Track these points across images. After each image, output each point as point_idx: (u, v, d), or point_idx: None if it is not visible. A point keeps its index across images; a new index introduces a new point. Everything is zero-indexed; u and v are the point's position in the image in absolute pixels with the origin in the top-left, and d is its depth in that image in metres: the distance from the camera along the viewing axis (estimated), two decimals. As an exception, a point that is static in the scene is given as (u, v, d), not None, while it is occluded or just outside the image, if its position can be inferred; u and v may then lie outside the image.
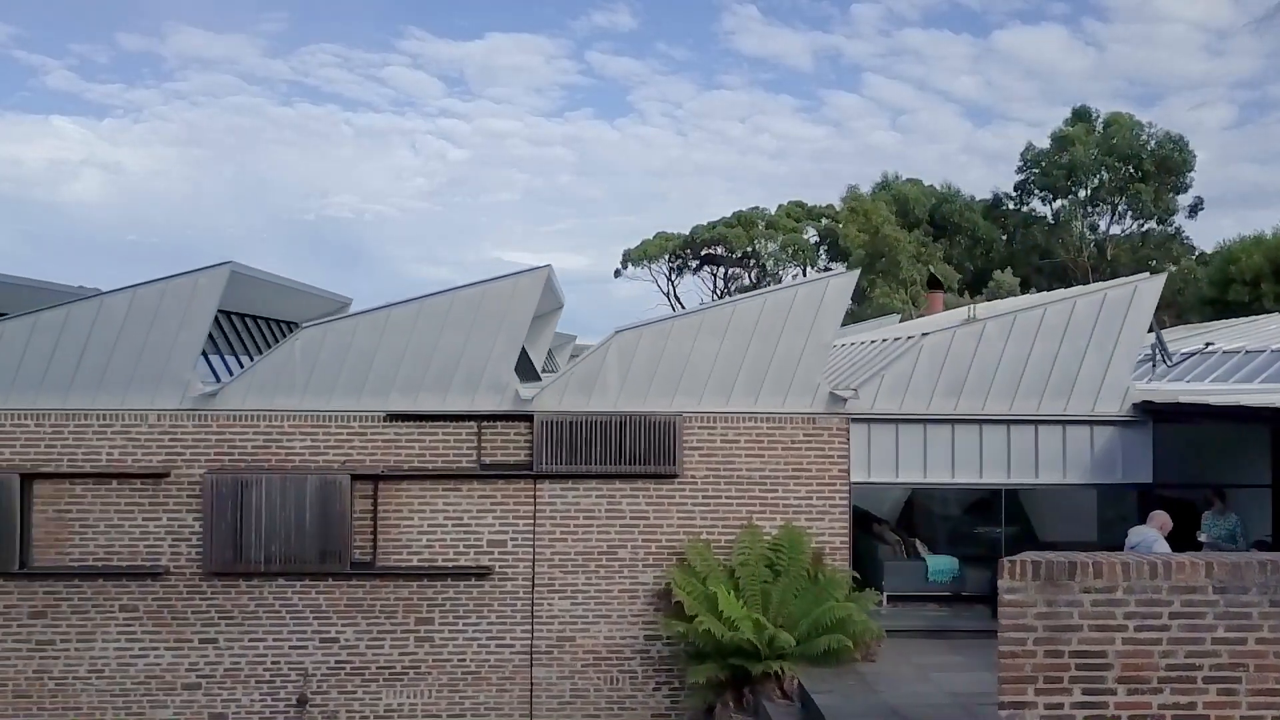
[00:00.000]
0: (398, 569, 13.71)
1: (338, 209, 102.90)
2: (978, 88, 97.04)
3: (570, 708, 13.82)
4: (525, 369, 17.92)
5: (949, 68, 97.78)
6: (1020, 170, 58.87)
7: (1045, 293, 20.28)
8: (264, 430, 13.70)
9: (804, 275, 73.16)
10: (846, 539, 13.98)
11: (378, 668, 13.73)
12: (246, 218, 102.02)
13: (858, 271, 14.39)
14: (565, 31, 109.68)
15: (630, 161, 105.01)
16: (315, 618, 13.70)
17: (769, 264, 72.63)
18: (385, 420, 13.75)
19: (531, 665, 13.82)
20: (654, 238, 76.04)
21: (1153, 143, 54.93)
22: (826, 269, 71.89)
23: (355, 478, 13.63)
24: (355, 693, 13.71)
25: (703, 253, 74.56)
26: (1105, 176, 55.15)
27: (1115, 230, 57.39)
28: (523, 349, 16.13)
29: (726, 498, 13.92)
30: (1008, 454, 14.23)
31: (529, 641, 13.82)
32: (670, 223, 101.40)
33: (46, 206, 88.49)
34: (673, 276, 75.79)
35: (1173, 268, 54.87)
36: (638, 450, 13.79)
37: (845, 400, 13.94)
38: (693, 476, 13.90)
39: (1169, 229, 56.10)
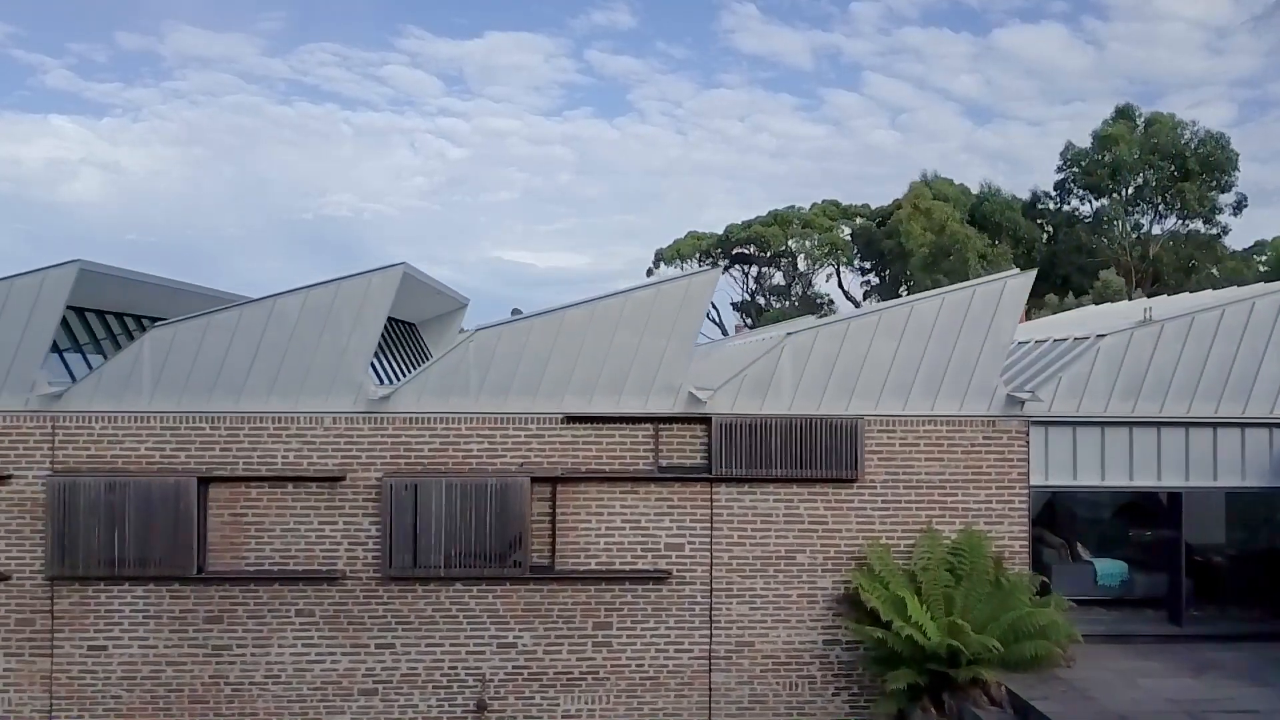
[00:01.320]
0: (575, 573, 13.56)
1: (336, 208, 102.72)
2: (977, 86, 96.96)
3: (749, 713, 13.69)
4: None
5: (949, 66, 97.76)
6: (1060, 170, 58.85)
7: (1217, 291, 20.05)
8: (440, 433, 13.56)
9: (838, 274, 73.39)
10: (1026, 543, 13.84)
11: (555, 673, 13.59)
12: (246, 217, 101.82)
13: (1034, 272, 14.21)
14: (564, 30, 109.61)
15: (630, 161, 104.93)
16: (492, 622, 13.55)
17: (800, 262, 72.69)
18: (563, 422, 13.59)
19: (710, 670, 13.68)
20: (685, 237, 76.00)
21: (1195, 141, 54.80)
22: (862, 268, 71.88)
23: (534, 480, 13.49)
24: (533, 699, 13.56)
25: (734, 251, 74.52)
26: (1149, 175, 55.02)
27: (1156, 230, 57.29)
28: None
29: (906, 502, 13.78)
30: (1185, 457, 14.10)
31: (707, 646, 13.68)
32: (671, 224, 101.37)
33: (45, 206, 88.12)
34: (704, 275, 75.61)
35: (1213, 269, 54.87)
36: (817, 454, 13.63)
37: (1023, 403, 13.80)
38: (872, 481, 13.76)
39: (1213, 229, 55.96)
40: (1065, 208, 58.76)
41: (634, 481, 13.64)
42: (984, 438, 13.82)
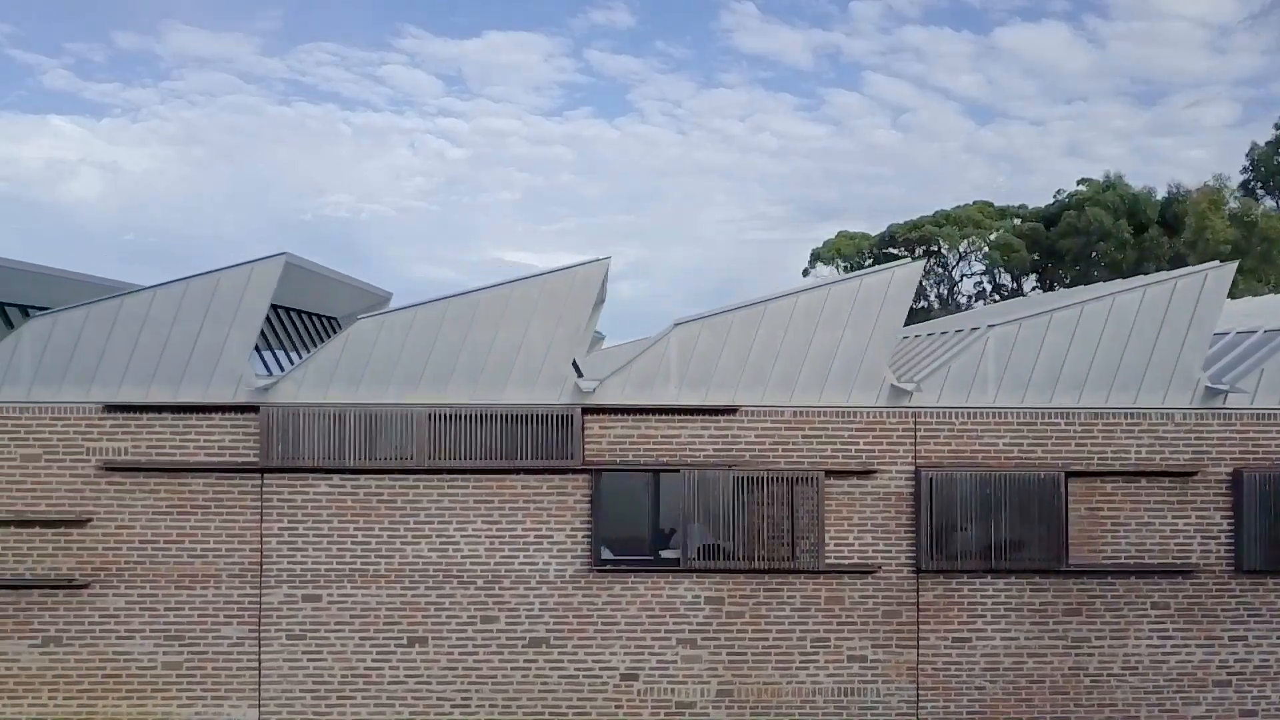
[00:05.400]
0: None
1: (334, 208, 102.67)
2: (979, 86, 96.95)
3: None
4: None
5: (949, 66, 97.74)
6: (1245, 170, 59.27)
7: None
8: None
9: (994, 275, 73.64)
10: None
11: (1398, 665, 13.80)
12: (245, 217, 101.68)
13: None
14: (564, 30, 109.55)
15: (630, 161, 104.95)
16: (1339, 615, 13.76)
17: (953, 262, 72.95)
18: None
19: None
20: (836, 236, 76.35)
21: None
22: (1012, 271, 72.13)
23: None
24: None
25: (881, 251, 74.79)
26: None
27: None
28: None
29: None
30: None
31: None
32: (672, 224, 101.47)
33: (44, 206, 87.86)
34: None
35: None
36: None
37: None
38: None
39: None
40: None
41: None
42: None
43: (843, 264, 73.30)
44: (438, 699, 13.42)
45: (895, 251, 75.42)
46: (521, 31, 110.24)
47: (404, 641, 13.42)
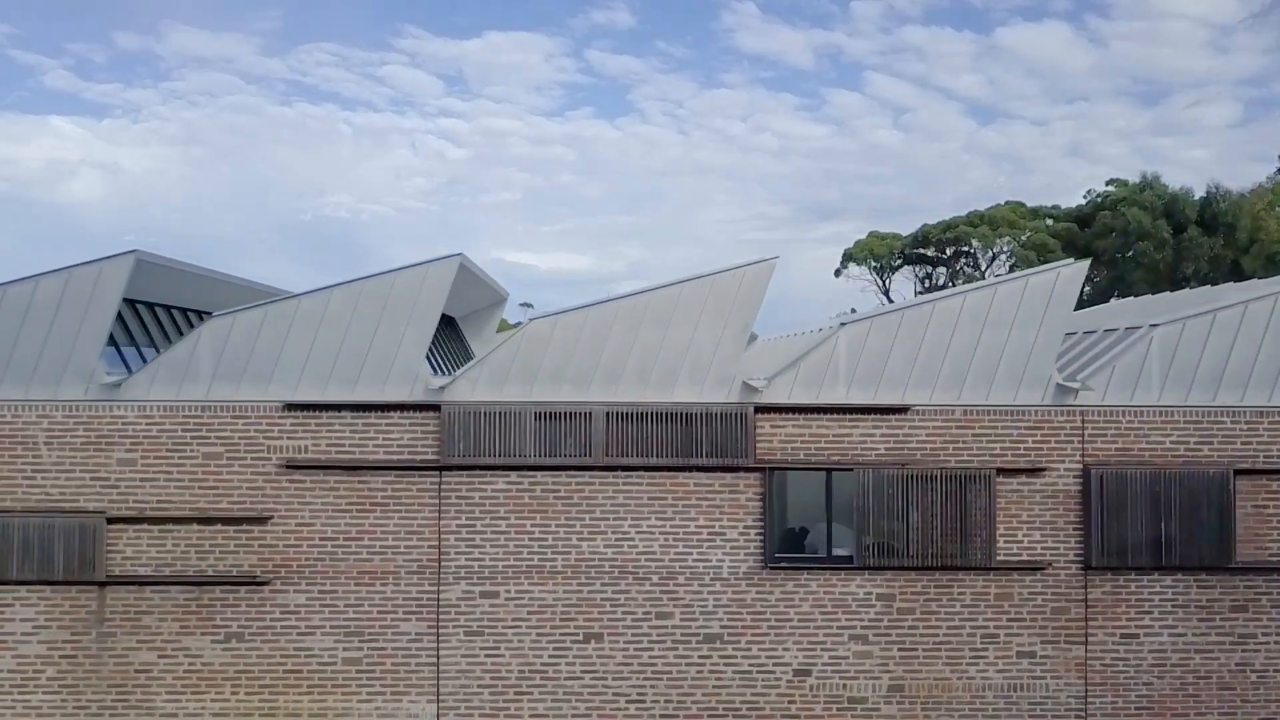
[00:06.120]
0: None
1: (335, 209, 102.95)
2: (980, 86, 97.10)
3: None
4: None
5: (951, 66, 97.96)
6: (1282, 171, 59.44)
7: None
8: None
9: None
10: None
11: None
12: (246, 217, 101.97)
13: None
14: (564, 30, 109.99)
15: (631, 161, 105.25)
16: None
17: (982, 262, 73.04)
18: None
19: None
20: (868, 236, 76.48)
21: None
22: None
23: None
24: None
25: (911, 251, 74.97)
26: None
27: None
28: None
29: None
30: None
31: None
32: (673, 224, 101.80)
33: (45, 206, 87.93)
34: (885, 277, 76.32)
35: None
36: None
37: None
38: None
39: None
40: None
41: None
42: None
43: (875, 264, 73.57)
44: (613, 694, 13.57)
45: (926, 253, 75.84)
46: (522, 31, 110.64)
47: (580, 637, 13.57)
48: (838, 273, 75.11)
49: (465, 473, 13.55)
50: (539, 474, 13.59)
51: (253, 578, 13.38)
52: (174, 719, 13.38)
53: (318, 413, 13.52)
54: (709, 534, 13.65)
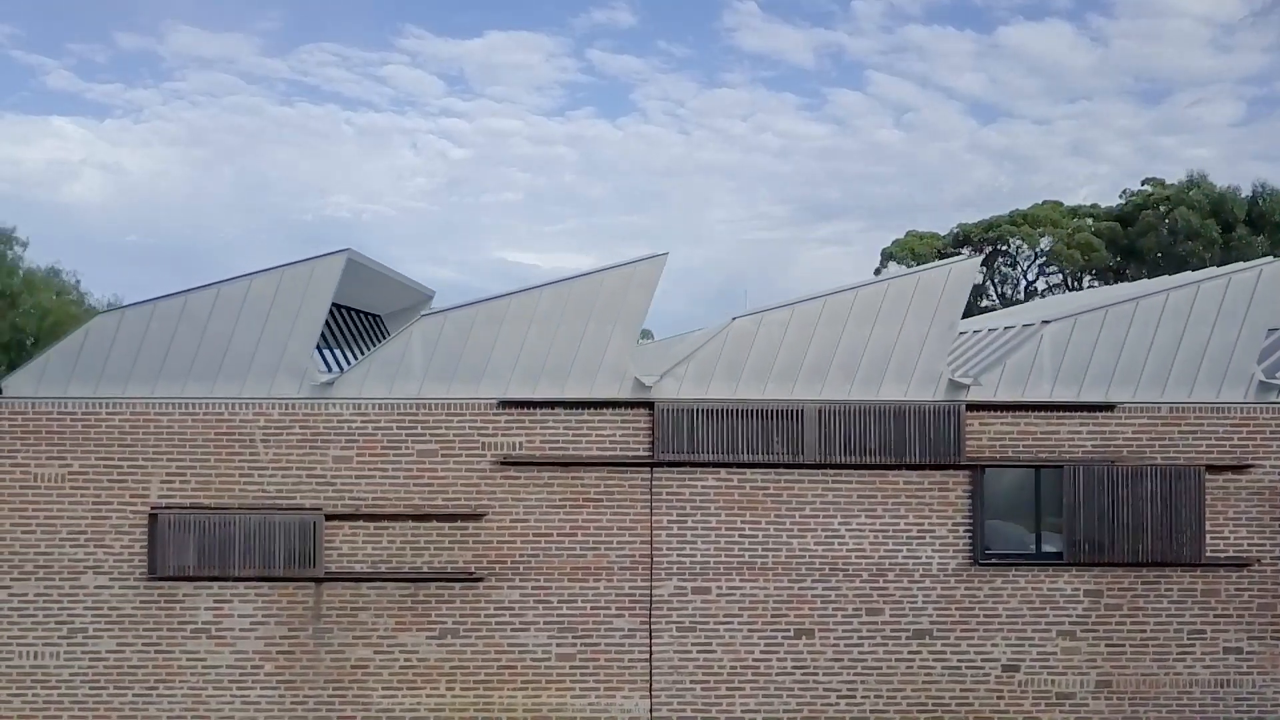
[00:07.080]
0: None
1: (336, 209, 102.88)
2: (982, 85, 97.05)
3: None
4: None
5: (953, 65, 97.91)
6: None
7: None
8: None
9: (1066, 277, 73.88)
10: None
11: None
12: (248, 218, 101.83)
13: None
14: (565, 29, 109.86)
15: (633, 161, 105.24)
16: None
17: (1024, 262, 73.10)
18: None
19: None
20: (906, 236, 76.54)
21: None
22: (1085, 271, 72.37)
23: None
24: None
25: (952, 251, 75.02)
26: None
27: None
28: None
29: None
30: None
31: None
32: (674, 224, 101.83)
33: (47, 207, 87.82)
34: (921, 274, 76.28)
35: None
36: None
37: None
38: None
39: None
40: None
41: None
42: None
43: (914, 262, 73.57)
44: (824, 689, 13.65)
45: (961, 253, 75.87)
46: (523, 31, 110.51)
47: (791, 633, 13.65)
48: (877, 271, 74.99)
49: (676, 469, 13.63)
50: (749, 471, 13.67)
51: (468, 574, 13.47)
52: (390, 714, 13.47)
53: (532, 410, 13.59)
54: (919, 531, 13.72)
